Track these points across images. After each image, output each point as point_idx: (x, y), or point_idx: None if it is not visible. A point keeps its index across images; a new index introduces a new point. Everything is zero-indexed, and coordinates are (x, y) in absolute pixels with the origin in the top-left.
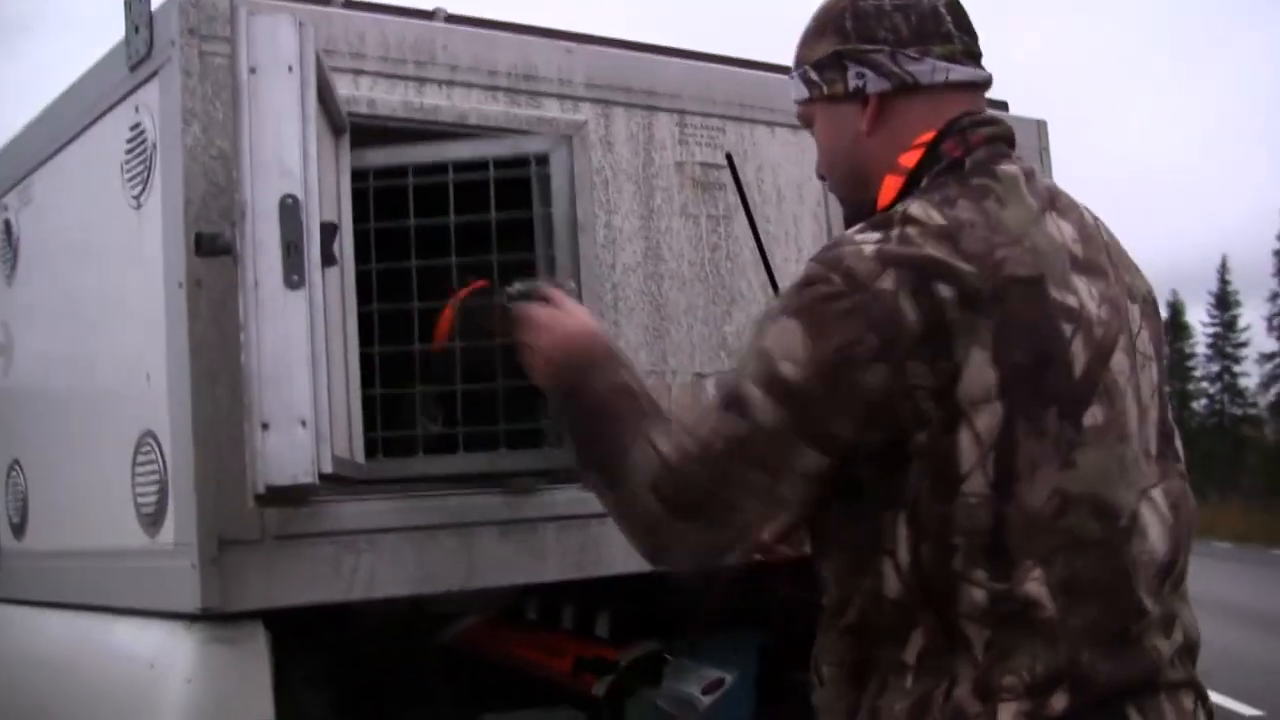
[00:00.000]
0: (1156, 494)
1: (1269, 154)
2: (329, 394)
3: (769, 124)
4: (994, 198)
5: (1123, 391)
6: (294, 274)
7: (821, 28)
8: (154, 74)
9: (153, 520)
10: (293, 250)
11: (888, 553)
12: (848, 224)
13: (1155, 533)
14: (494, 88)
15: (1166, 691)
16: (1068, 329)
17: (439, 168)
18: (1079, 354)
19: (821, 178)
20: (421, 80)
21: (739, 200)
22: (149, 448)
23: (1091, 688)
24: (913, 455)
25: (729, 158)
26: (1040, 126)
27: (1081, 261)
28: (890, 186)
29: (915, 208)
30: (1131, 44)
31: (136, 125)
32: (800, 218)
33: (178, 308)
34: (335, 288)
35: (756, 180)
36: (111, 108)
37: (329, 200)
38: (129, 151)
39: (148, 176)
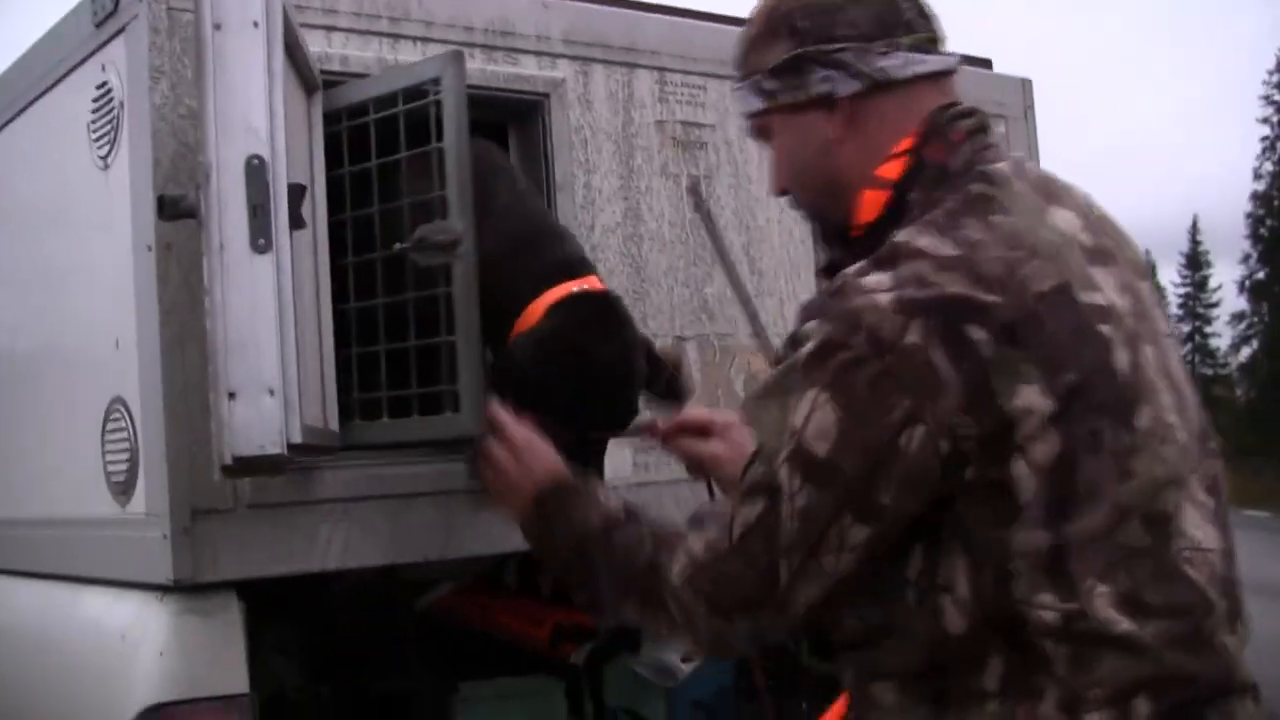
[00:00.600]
0: (1194, 481)
1: (1242, 115)
2: (298, 360)
3: None
4: (997, 207)
5: (1155, 384)
6: (260, 237)
7: (771, 30)
8: (120, 31)
9: (123, 489)
10: (259, 212)
11: (943, 590)
12: (820, 241)
13: (1192, 522)
14: (470, 44)
15: (1238, 695)
16: (1105, 330)
17: (363, 109)
18: (1120, 355)
19: (782, 193)
20: (396, 37)
21: (712, 244)
22: (119, 415)
23: (1172, 692)
24: (961, 491)
25: (695, 189)
26: (1025, 85)
27: (1093, 251)
28: (872, 202)
29: (921, 238)
30: (1109, 7)
31: (103, 84)
32: None
33: (147, 271)
34: (307, 247)
35: (739, 139)
36: (77, 66)
37: (299, 161)
38: (95, 111)
39: (115, 136)
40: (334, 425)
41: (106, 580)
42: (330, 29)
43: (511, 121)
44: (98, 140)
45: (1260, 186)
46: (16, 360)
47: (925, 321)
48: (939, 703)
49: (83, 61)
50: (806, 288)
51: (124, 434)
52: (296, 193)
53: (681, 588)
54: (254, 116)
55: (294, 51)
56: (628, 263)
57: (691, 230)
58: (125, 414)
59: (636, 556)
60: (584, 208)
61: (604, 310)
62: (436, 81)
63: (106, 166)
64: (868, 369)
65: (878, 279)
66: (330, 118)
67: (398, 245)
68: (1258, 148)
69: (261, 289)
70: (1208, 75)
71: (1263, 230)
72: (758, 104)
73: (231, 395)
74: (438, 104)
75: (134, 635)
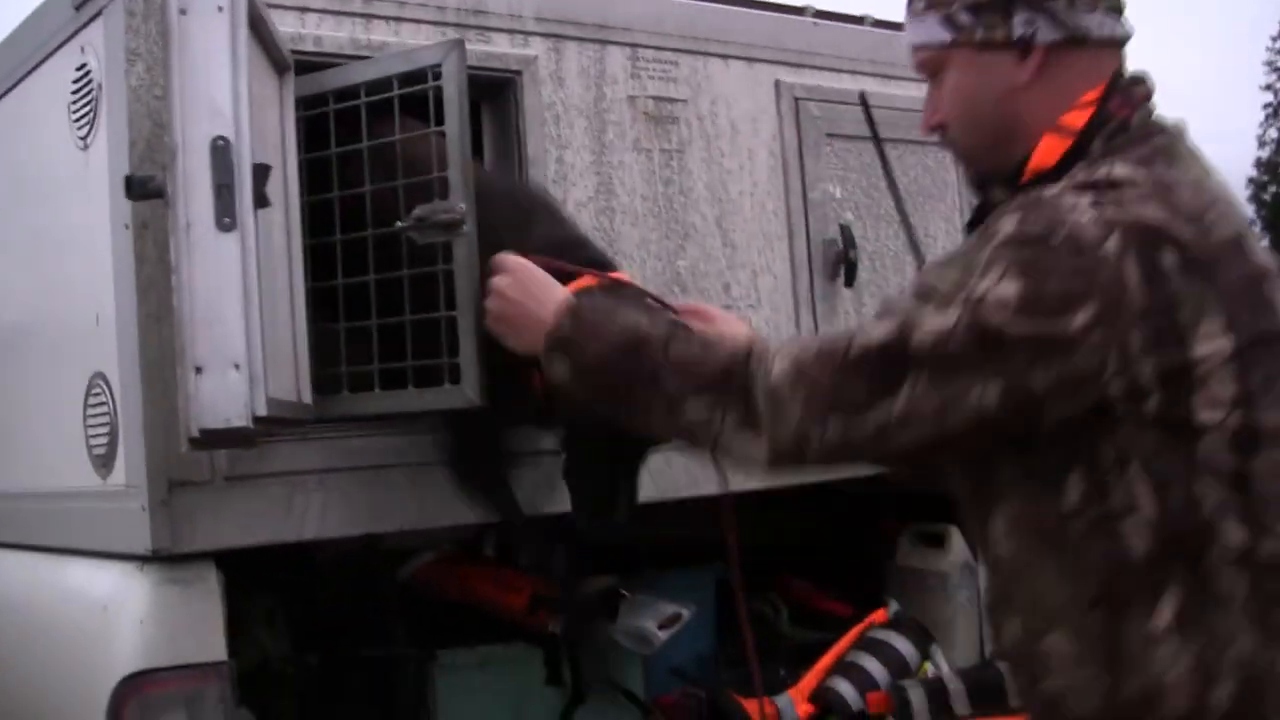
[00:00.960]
0: None
1: (1245, 81)
2: (262, 336)
3: (723, 57)
4: (1181, 159)
5: None
6: (225, 216)
7: None
8: (99, 13)
9: (104, 462)
10: (224, 192)
11: (1120, 514)
12: (976, 185)
13: None
14: (442, 23)
15: None
16: (1268, 287)
17: (353, 92)
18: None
19: (936, 128)
20: (369, 16)
21: (876, 152)
22: (99, 389)
23: None
24: (1134, 418)
25: (862, 97)
26: None
27: (1243, 218)
28: (1052, 148)
29: (1118, 170)
30: None
31: (83, 66)
32: (755, 151)
33: (124, 249)
34: (280, 224)
35: (710, 114)
36: (59, 48)
37: (268, 140)
38: (75, 92)
39: (94, 117)
40: (307, 398)
41: (89, 551)
42: (303, 10)
43: (484, 99)
44: (78, 121)
45: (1264, 153)
46: (3, 336)
47: (1123, 237)
48: (1114, 645)
49: (64, 43)
50: (780, 259)
51: (104, 408)
52: (261, 172)
53: (779, 383)
54: (219, 99)
55: (262, 33)
56: (600, 236)
57: (663, 204)
58: (106, 388)
59: (711, 354)
60: (556, 183)
61: None
62: (437, 68)
63: (86, 146)
64: (1064, 263)
65: (1078, 199)
66: (322, 99)
67: (398, 224)
68: (1261, 114)
69: (226, 267)
70: (1210, 41)
71: (1265, 196)
72: (945, 36)
73: (198, 370)
74: (437, 89)
75: (115, 605)
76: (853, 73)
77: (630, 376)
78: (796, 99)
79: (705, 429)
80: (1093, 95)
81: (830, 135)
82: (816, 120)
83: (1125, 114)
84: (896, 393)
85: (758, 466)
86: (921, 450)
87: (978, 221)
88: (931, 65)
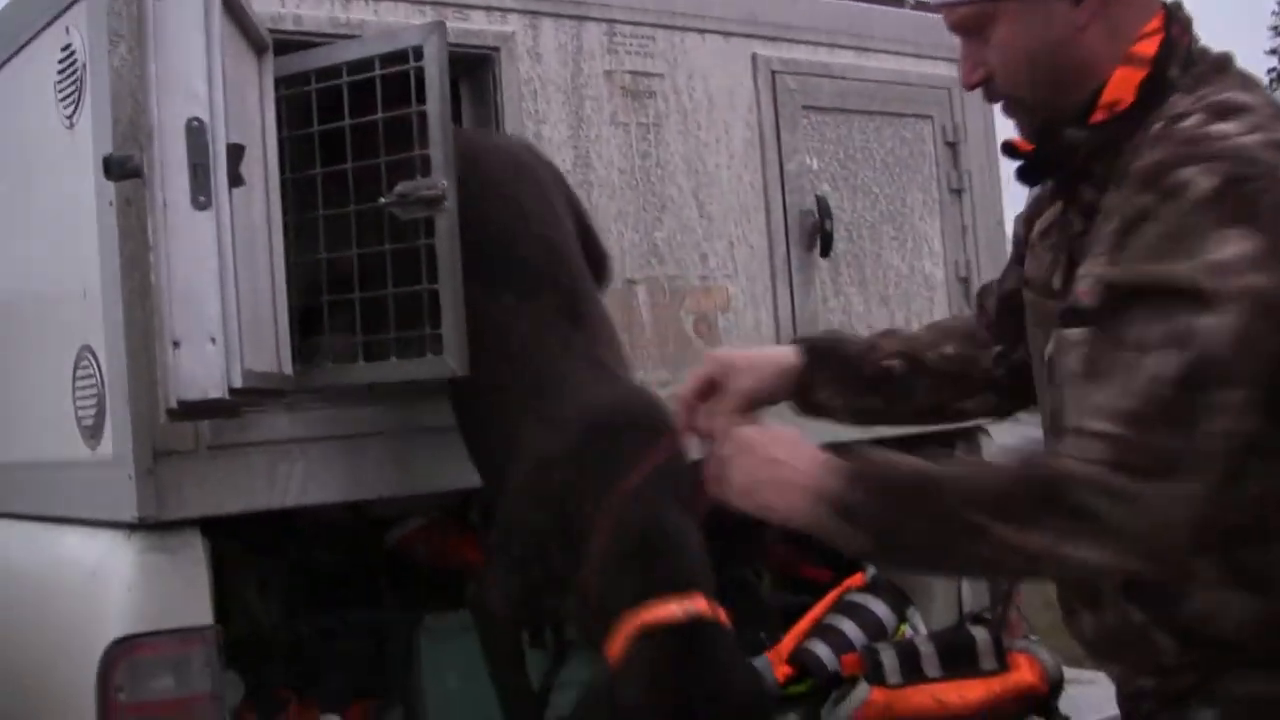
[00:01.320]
0: None
1: (1250, 45)
2: (239, 310)
3: (699, 31)
4: (1258, 84)
5: None
6: (201, 195)
7: None
8: None
9: (92, 433)
10: (199, 172)
11: (1273, 453)
12: (1038, 136)
13: None
14: (420, 1)
15: None
16: None
17: (335, 71)
18: None
19: (980, 84)
20: None
21: None
22: (87, 362)
23: None
24: None
25: None
26: None
27: None
28: (1128, 79)
29: (1240, 96)
30: None
31: (67, 46)
32: (732, 124)
33: (109, 226)
34: (260, 201)
35: (687, 87)
36: (45, 28)
37: (246, 120)
38: (61, 72)
39: (79, 97)
40: (287, 370)
41: (80, 520)
42: None
43: (462, 75)
44: (63, 100)
45: None
46: None
47: None
48: (1260, 567)
49: (50, 24)
50: (756, 230)
51: (92, 380)
52: (235, 152)
53: (1104, 475)
54: (194, 80)
55: (238, 14)
56: None
57: (640, 176)
58: (93, 361)
59: (993, 474)
60: None
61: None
62: (419, 49)
63: (72, 126)
64: (1268, 197)
65: (1228, 127)
66: (304, 78)
67: (381, 200)
68: (1266, 79)
69: (202, 244)
70: (1213, 3)
71: None
72: None
73: (176, 344)
74: (419, 69)
75: (104, 571)
76: (829, 45)
77: (919, 523)
78: (773, 72)
79: (1023, 554)
80: (1155, 24)
81: (807, 108)
82: (793, 93)
83: (1186, 41)
84: (1217, 412)
85: (1105, 570)
86: (1247, 450)
87: (1041, 167)
88: (973, 21)
